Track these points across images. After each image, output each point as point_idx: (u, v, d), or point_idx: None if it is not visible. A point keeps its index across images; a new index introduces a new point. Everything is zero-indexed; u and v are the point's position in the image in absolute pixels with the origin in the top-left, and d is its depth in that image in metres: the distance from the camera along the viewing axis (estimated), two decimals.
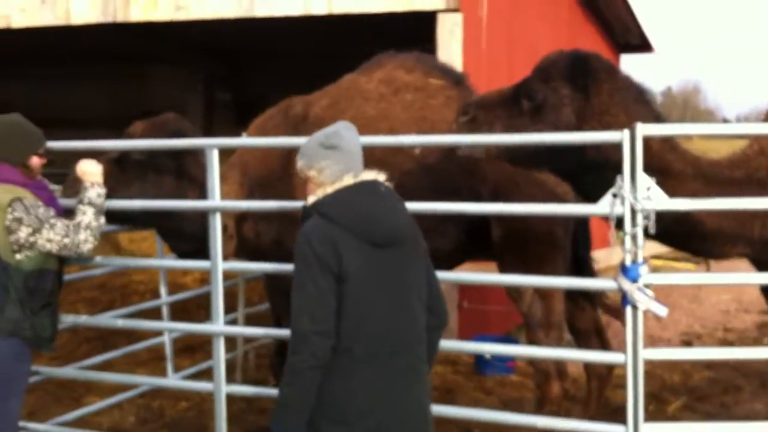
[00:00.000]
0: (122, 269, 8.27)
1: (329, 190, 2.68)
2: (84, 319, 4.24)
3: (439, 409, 3.51)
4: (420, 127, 4.34)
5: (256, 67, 16.21)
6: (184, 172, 4.26)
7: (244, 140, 4.45)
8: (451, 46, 7.31)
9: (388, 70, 4.61)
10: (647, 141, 3.07)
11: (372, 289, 2.60)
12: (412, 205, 3.53)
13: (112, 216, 3.83)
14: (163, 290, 5.69)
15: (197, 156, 4.27)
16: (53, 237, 3.43)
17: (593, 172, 3.38)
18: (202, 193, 4.18)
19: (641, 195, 2.99)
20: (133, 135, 4.15)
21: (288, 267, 3.64)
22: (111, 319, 4.19)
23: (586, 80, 3.43)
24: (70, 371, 4.34)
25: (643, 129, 3.01)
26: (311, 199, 2.72)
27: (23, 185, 3.51)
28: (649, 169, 3.06)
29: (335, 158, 2.69)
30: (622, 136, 3.02)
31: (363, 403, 2.58)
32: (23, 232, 3.40)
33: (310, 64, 13.96)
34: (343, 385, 2.58)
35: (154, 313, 5.76)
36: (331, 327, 2.55)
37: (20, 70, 18.91)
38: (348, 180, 2.68)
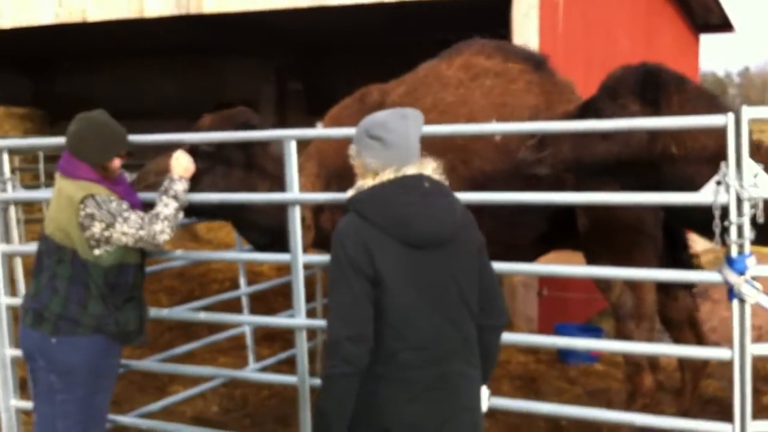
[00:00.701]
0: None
1: (370, 182, 2.53)
2: (167, 312, 4.28)
3: (528, 405, 3.44)
4: (500, 112, 4.23)
5: (328, 56, 16.24)
6: (254, 164, 4.23)
7: (320, 131, 4.40)
8: (526, 30, 7.17)
9: (466, 56, 4.52)
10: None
11: (411, 293, 2.44)
12: (490, 196, 3.46)
13: (188, 209, 3.79)
14: (242, 281, 5.73)
15: (267, 148, 4.24)
16: (127, 230, 3.41)
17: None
18: (272, 184, 4.16)
19: (747, 182, 2.81)
20: (202, 128, 4.15)
21: None
22: (193, 313, 4.21)
23: (657, 95, 3.31)
24: (154, 364, 4.39)
25: (749, 112, 2.84)
26: (350, 192, 2.59)
27: (98, 181, 3.49)
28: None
29: (378, 150, 2.52)
30: (726, 119, 2.85)
31: (410, 412, 2.45)
32: (97, 228, 3.39)
33: (382, 53, 13.90)
34: (387, 392, 2.45)
35: (234, 302, 5.81)
36: (365, 332, 2.40)
37: (96, 64, 19.38)
38: (388, 174, 2.50)
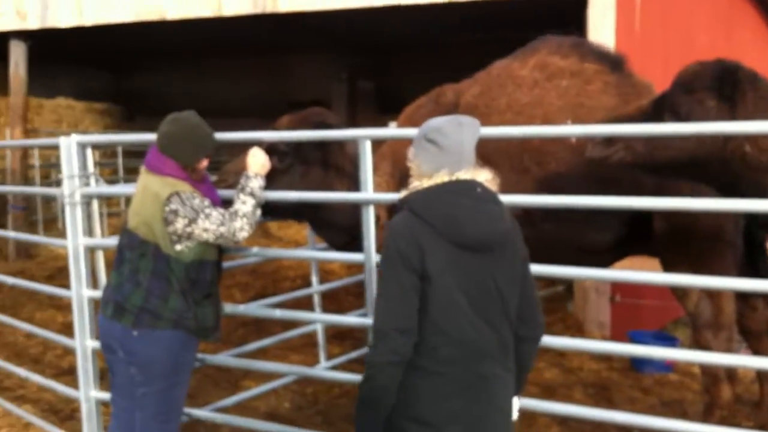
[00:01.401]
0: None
1: (425, 184, 2.60)
2: (243, 308, 4.33)
3: (601, 414, 3.39)
4: (576, 114, 4.18)
5: (400, 55, 16.26)
6: (331, 163, 4.26)
7: (395, 130, 4.42)
8: (602, 30, 7.06)
9: (542, 56, 4.47)
10: None
11: (455, 292, 2.52)
12: (563, 199, 3.40)
13: (265, 208, 3.82)
14: (314, 279, 5.79)
15: (343, 147, 4.27)
16: (209, 226, 3.46)
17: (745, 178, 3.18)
18: (348, 184, 4.18)
19: None
20: (280, 128, 4.19)
21: None
22: (269, 310, 4.27)
23: (733, 91, 3.25)
24: (229, 359, 4.47)
25: None
26: (403, 193, 2.67)
27: (182, 179, 3.55)
28: None
29: (433, 153, 2.60)
30: None
31: (448, 406, 2.51)
32: (180, 224, 3.45)
33: (453, 53, 13.86)
34: (427, 385, 2.52)
35: (305, 300, 5.87)
36: (411, 324, 2.49)
37: (173, 62, 19.78)
38: (442, 177, 2.58)
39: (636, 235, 4.09)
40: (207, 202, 3.53)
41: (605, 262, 4.29)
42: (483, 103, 4.39)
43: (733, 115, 3.23)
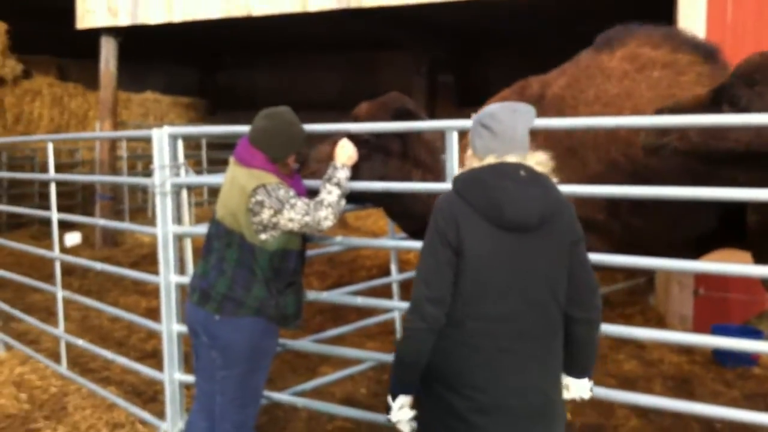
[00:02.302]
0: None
1: (476, 165, 2.71)
2: (325, 295, 4.38)
3: (682, 406, 3.31)
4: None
5: (480, 49, 16.18)
6: (409, 152, 4.26)
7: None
8: (693, 19, 6.85)
9: (632, 47, 4.35)
10: None
11: (492, 271, 2.61)
12: (650, 191, 3.31)
13: (348, 195, 3.83)
14: (393, 268, 5.81)
15: (420, 136, 4.26)
16: (294, 216, 3.50)
17: None
18: (423, 172, 4.18)
19: None
20: (359, 115, 4.20)
21: None
22: (350, 297, 4.30)
23: None
24: (309, 344, 4.53)
25: None
26: (457, 171, 2.78)
27: (270, 171, 3.59)
28: None
29: (485, 138, 2.71)
30: None
31: (475, 377, 2.62)
32: (265, 214, 3.49)
33: (534, 46, 13.72)
34: (456, 354, 2.65)
35: (381, 289, 5.89)
36: (443, 296, 2.62)
37: (256, 57, 20.13)
38: (490, 160, 2.68)
39: (727, 229, 3.96)
40: (292, 192, 3.57)
41: (694, 255, 4.17)
42: (570, 95, 4.31)
43: None
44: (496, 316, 2.61)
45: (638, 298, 7.94)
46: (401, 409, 2.79)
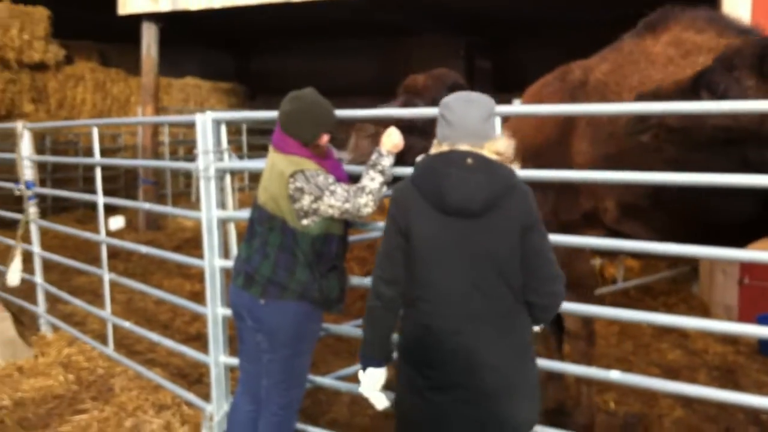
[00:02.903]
0: None
1: (431, 153, 2.88)
2: (368, 281, 4.38)
3: (727, 396, 3.28)
4: None
5: (518, 34, 16.04)
6: None
7: (524, 107, 4.35)
8: (738, 2, 6.73)
9: (675, 31, 4.30)
10: None
11: (438, 254, 2.76)
12: (691, 177, 3.27)
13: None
14: None
15: None
16: (334, 203, 3.51)
17: None
18: None
19: None
20: (412, 87, 4.17)
21: (569, 239, 3.57)
22: None
23: None
24: (350, 329, 4.55)
25: None
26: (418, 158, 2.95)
27: (307, 156, 3.60)
28: None
29: (442, 126, 2.86)
30: None
31: (430, 356, 2.78)
32: (306, 200, 3.51)
33: (573, 31, 13.57)
34: (413, 333, 2.84)
35: None
36: (395, 277, 2.85)
37: (293, 43, 20.16)
38: (444, 147, 2.84)
39: None
40: (332, 178, 3.57)
41: (739, 243, 4.12)
42: (614, 81, 4.27)
43: None
44: (444, 299, 2.77)
45: (682, 287, 7.86)
46: (369, 381, 3.06)
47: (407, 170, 3.83)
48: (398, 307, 2.90)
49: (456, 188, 2.72)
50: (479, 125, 2.83)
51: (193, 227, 12.17)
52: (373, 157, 3.67)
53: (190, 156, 4.66)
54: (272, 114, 4.52)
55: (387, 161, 3.64)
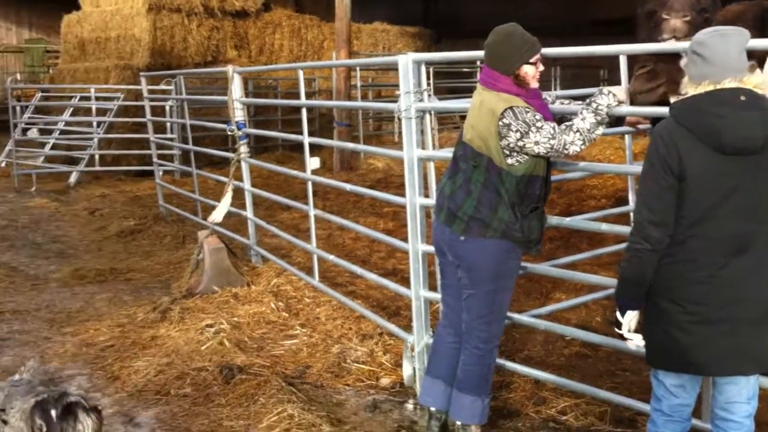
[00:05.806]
0: None
1: (691, 92, 2.82)
2: (568, 221, 4.41)
3: None
4: None
5: None
6: None
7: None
8: None
9: None
10: None
11: (712, 194, 2.76)
12: None
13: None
14: (631, 197, 5.71)
15: None
16: (540, 139, 3.52)
17: None
18: None
19: None
20: (721, 20, 4.00)
21: None
22: (595, 223, 4.32)
23: None
24: (548, 268, 4.57)
25: None
26: (673, 99, 2.92)
27: (516, 94, 3.63)
28: None
29: (699, 65, 2.81)
30: None
31: (696, 291, 2.82)
32: (512, 137, 3.55)
33: None
34: (676, 270, 2.85)
35: (611, 219, 5.73)
36: (665, 219, 2.83)
37: None
38: (706, 86, 2.78)
39: None
40: (539, 116, 3.59)
41: None
42: None
43: None
44: (720, 236, 2.79)
45: None
46: (630, 322, 3.04)
47: (631, 109, 3.81)
48: (664, 248, 2.87)
49: (733, 127, 2.71)
50: (738, 59, 2.79)
51: (383, 168, 12.51)
52: (594, 95, 3.60)
53: (379, 99, 4.80)
54: (471, 54, 4.58)
55: (603, 100, 3.55)
